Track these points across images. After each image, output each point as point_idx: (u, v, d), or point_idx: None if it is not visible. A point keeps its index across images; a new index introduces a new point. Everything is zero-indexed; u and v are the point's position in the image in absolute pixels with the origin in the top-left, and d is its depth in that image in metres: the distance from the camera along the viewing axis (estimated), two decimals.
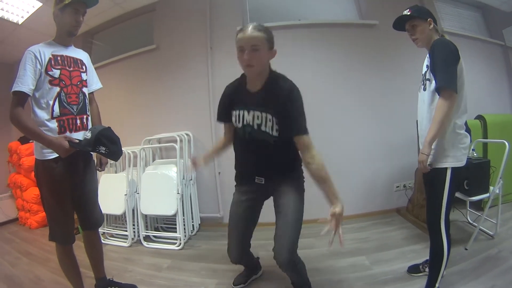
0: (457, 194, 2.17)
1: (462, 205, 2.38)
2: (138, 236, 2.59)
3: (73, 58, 1.53)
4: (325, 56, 2.92)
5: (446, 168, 1.38)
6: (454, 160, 1.37)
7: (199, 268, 2.08)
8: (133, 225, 2.61)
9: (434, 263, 1.48)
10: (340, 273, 1.88)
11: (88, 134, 1.40)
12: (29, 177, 3.38)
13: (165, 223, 2.79)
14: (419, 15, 1.48)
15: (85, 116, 1.55)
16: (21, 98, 1.33)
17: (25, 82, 1.32)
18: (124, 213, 2.55)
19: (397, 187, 2.98)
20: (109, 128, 1.49)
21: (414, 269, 1.81)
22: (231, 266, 1.88)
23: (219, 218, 2.90)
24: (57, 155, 1.37)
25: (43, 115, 1.39)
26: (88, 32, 3.65)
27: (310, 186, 2.35)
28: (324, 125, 2.74)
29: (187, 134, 2.82)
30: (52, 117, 1.40)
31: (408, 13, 1.50)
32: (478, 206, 2.53)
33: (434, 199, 1.44)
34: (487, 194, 2.12)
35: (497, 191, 2.17)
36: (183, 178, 2.56)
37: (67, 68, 1.48)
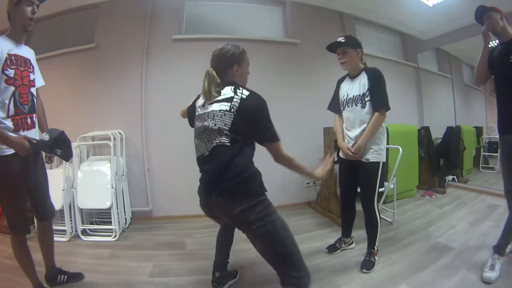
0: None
1: None
2: (76, 230, 2.63)
3: (23, 57, 1.56)
4: (250, 69, 3.24)
5: (379, 162, 1.85)
6: (383, 157, 1.88)
7: (136, 255, 2.24)
8: (70, 220, 2.64)
9: (372, 230, 1.94)
10: (256, 253, 2.20)
11: (46, 137, 1.51)
12: None
13: (99, 217, 2.85)
14: (351, 44, 1.87)
15: (34, 115, 1.61)
16: None
17: None
18: (62, 208, 2.56)
19: (307, 183, 3.44)
20: (63, 132, 1.59)
21: (333, 248, 2.18)
22: (165, 251, 2.17)
23: (148, 212, 3.06)
24: (13, 152, 1.43)
25: (0, 114, 1.42)
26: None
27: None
28: None
29: (119, 133, 2.93)
30: (8, 116, 1.44)
31: (343, 41, 1.87)
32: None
33: (371, 186, 1.87)
34: (382, 189, 2.60)
35: (392, 186, 2.67)
36: (116, 174, 2.69)
37: (19, 68, 1.51)
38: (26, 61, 1.58)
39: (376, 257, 1.94)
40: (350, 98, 1.93)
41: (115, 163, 2.70)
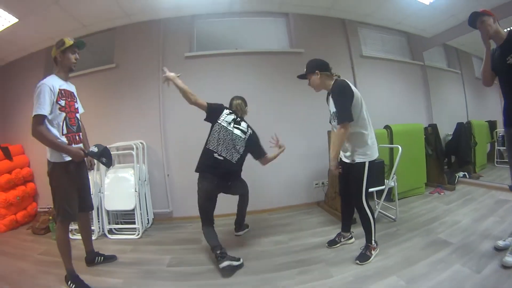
0: None
1: (370, 196, 2.96)
2: (103, 230, 2.95)
3: (69, 91, 2.04)
4: (259, 79, 3.49)
5: (364, 162, 1.98)
6: (367, 157, 1.99)
7: (156, 249, 2.53)
8: (98, 220, 2.97)
9: (366, 226, 2.07)
10: (264, 246, 2.45)
11: (95, 149, 2.01)
12: None
13: (124, 218, 3.13)
14: (308, 70, 2.08)
15: (80, 134, 2.10)
16: (42, 119, 1.79)
17: (45, 108, 1.79)
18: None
19: (316, 184, 3.60)
20: (107, 147, 2.08)
21: (332, 242, 2.34)
22: (182, 246, 2.44)
23: (169, 213, 3.34)
24: (70, 159, 1.91)
25: (55, 132, 1.88)
26: (52, 47, 3.92)
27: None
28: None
29: (141, 143, 3.28)
30: (62, 134, 1.92)
31: (304, 70, 2.11)
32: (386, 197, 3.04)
33: (358, 184, 2.00)
34: (383, 186, 2.72)
35: (392, 184, 2.75)
36: (139, 179, 3.01)
37: (67, 99, 1.99)
38: (71, 94, 2.08)
39: (373, 252, 2.05)
40: (331, 114, 2.12)
41: (138, 170, 3.02)
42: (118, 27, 3.56)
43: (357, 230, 2.38)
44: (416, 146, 3.54)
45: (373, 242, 2.07)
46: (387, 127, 3.49)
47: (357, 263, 1.99)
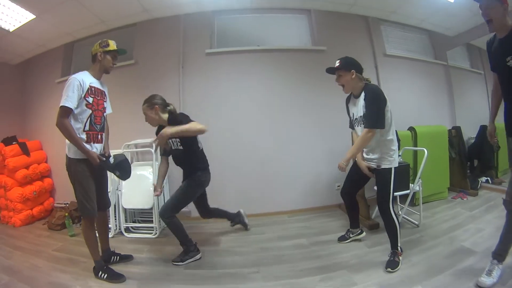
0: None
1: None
2: (120, 228, 2.93)
3: (100, 90, 2.06)
4: (280, 76, 3.41)
5: (390, 168, 1.95)
6: (395, 163, 1.97)
7: (173, 250, 2.42)
8: (115, 218, 2.95)
9: (392, 232, 2.01)
10: (284, 250, 2.38)
11: (112, 160, 2.06)
12: (13, 177, 3.50)
13: (141, 217, 3.12)
14: (343, 67, 1.97)
15: (103, 133, 2.11)
16: (68, 111, 1.81)
17: (72, 101, 1.81)
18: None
19: (338, 186, 3.45)
20: (125, 159, 2.14)
21: (343, 238, 2.42)
22: (200, 247, 2.35)
23: (187, 212, 3.25)
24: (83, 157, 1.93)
25: (77, 127, 1.90)
26: (71, 43, 3.94)
27: (259, 185, 2.82)
28: (277, 135, 3.29)
29: None
30: (84, 130, 1.93)
31: (337, 65, 1.98)
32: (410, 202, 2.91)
33: (385, 190, 1.96)
34: (408, 191, 2.62)
35: (417, 188, 2.66)
36: None
37: (96, 97, 2.00)
38: (102, 93, 2.10)
39: (400, 257, 1.99)
40: (356, 118, 2.06)
41: (156, 167, 2.91)
42: (137, 23, 3.53)
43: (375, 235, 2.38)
44: (439, 149, 3.43)
45: (399, 248, 2.01)
46: (411, 128, 3.39)
47: (389, 271, 1.91)
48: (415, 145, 3.27)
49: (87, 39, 3.80)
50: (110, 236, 2.82)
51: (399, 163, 2.70)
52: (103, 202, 2.19)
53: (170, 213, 2.20)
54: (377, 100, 1.87)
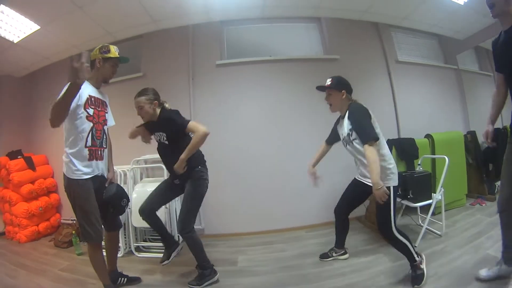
0: (405, 202, 2.60)
1: (414, 211, 2.78)
2: (130, 247, 2.82)
3: (101, 100, 1.88)
4: (292, 87, 3.34)
5: (389, 187, 1.78)
6: (391, 180, 1.82)
7: (187, 271, 2.34)
8: (125, 237, 2.84)
9: (404, 252, 1.88)
10: (306, 269, 2.26)
11: (105, 193, 1.87)
12: (18, 192, 3.45)
13: (152, 235, 3.01)
14: (335, 86, 1.96)
15: (104, 149, 1.90)
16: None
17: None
18: None
19: None
20: (119, 192, 1.93)
21: (324, 256, 2.36)
22: (216, 268, 2.22)
23: (200, 230, 3.16)
24: (88, 176, 1.75)
25: (78, 143, 1.71)
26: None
27: (274, 200, 2.71)
28: (289, 147, 3.20)
29: None
30: (86, 146, 1.74)
31: (328, 83, 1.99)
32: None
33: (385, 211, 1.81)
34: (430, 201, 2.53)
35: (439, 197, 2.57)
36: None
37: (97, 108, 1.82)
38: (103, 103, 1.91)
39: (421, 266, 1.88)
40: (344, 138, 2.02)
41: None
42: (145, 34, 3.48)
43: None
44: (456, 156, 3.34)
45: (416, 258, 1.88)
46: (428, 136, 3.30)
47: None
48: (433, 153, 3.20)
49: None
50: (119, 255, 2.73)
51: (418, 172, 2.65)
52: (115, 223, 2.05)
53: (189, 224, 2.01)
54: (361, 114, 1.84)
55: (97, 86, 1.86)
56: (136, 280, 2.19)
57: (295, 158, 3.19)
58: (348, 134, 1.92)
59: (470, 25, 3.85)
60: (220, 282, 2.14)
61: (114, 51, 1.83)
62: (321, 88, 2.03)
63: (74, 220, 3.45)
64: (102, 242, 1.90)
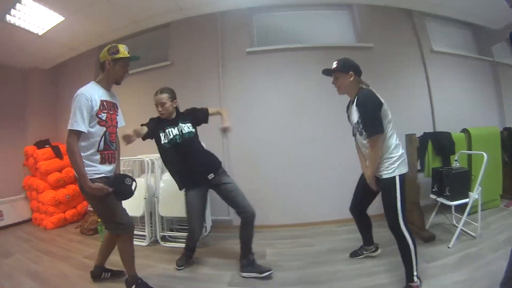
0: (441, 199, 2.47)
1: (448, 210, 2.64)
2: (155, 236, 2.81)
3: (112, 103, 1.83)
4: (323, 77, 3.19)
5: (393, 177, 1.68)
6: (398, 170, 1.69)
7: (214, 263, 2.31)
8: (151, 226, 2.84)
9: (405, 257, 1.69)
10: (335, 265, 2.17)
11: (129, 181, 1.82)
12: (46, 180, 3.53)
13: (179, 225, 2.98)
14: (341, 68, 1.82)
15: (117, 152, 1.89)
16: (78, 135, 1.61)
17: (82, 123, 1.60)
18: (143, 215, 2.77)
19: None
20: (122, 175, 1.87)
21: (355, 254, 2.26)
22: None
23: (228, 221, 3.12)
24: (99, 176, 1.69)
25: (90, 148, 1.68)
26: (103, 46, 3.90)
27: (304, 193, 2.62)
28: (321, 138, 3.09)
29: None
30: (98, 151, 1.70)
31: (334, 66, 1.85)
32: (464, 210, 2.72)
33: (390, 203, 1.69)
34: (467, 199, 2.39)
35: (476, 196, 2.43)
36: None
37: (109, 112, 1.78)
38: (114, 106, 1.87)
39: None
40: (353, 126, 1.91)
41: None
42: (172, 22, 3.45)
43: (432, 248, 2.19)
44: (492, 153, 3.09)
45: (415, 278, 1.67)
46: (464, 130, 3.12)
47: None
48: (469, 149, 3.02)
49: (121, 41, 3.75)
50: (144, 244, 2.77)
51: (456, 169, 2.51)
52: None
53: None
54: (369, 103, 1.69)
55: (108, 89, 1.83)
56: (120, 274, 2.10)
57: (328, 149, 3.10)
58: (358, 122, 1.80)
59: (507, 13, 3.49)
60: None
61: (124, 51, 1.77)
62: (326, 72, 1.91)
63: None
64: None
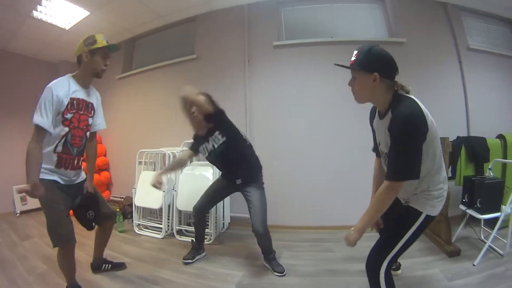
0: (470, 211, 2.28)
1: (477, 223, 2.45)
2: (171, 229, 2.84)
3: (86, 102, 1.66)
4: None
5: (421, 213, 1.25)
6: (430, 210, 1.26)
7: (226, 261, 2.28)
8: (168, 219, 2.87)
9: None
10: (354, 276, 2.05)
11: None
12: None
13: None
14: (361, 65, 1.18)
15: (80, 158, 1.70)
16: (42, 133, 1.47)
17: (48, 121, 1.46)
18: (161, 207, 2.80)
19: None
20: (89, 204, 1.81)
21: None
22: (255, 261, 2.17)
23: (247, 219, 3.05)
24: (51, 178, 1.57)
25: (46, 146, 1.53)
26: (131, 39, 3.98)
27: (330, 195, 2.52)
28: (349, 139, 2.97)
29: None
30: (54, 152, 1.56)
31: (352, 59, 1.22)
32: (493, 224, 2.57)
33: (396, 236, 1.29)
34: (499, 213, 2.17)
35: (509, 211, 2.19)
36: None
37: (79, 111, 1.61)
38: (88, 106, 1.68)
39: None
40: (381, 147, 1.39)
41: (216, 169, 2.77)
42: (198, 15, 3.43)
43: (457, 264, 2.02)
44: None
45: None
46: (500, 136, 2.87)
47: None
48: (505, 157, 2.75)
49: (148, 36, 3.86)
50: (160, 236, 2.80)
51: (490, 179, 2.30)
52: (107, 212, 1.94)
53: (266, 221, 2.11)
54: (411, 136, 1.09)
55: (85, 86, 1.66)
56: (121, 266, 2.12)
57: (355, 152, 2.92)
58: (386, 154, 1.29)
59: None
60: (258, 279, 2.03)
61: (101, 40, 1.61)
62: (342, 66, 1.25)
63: (122, 197, 3.62)
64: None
